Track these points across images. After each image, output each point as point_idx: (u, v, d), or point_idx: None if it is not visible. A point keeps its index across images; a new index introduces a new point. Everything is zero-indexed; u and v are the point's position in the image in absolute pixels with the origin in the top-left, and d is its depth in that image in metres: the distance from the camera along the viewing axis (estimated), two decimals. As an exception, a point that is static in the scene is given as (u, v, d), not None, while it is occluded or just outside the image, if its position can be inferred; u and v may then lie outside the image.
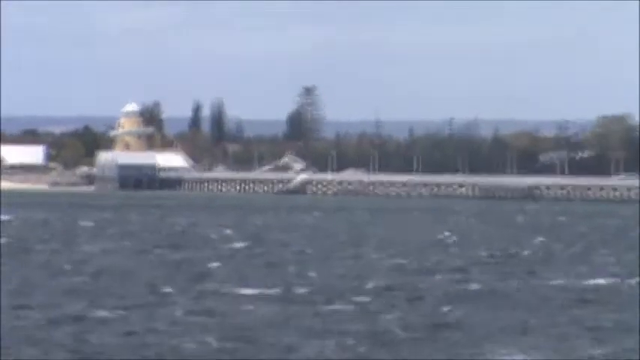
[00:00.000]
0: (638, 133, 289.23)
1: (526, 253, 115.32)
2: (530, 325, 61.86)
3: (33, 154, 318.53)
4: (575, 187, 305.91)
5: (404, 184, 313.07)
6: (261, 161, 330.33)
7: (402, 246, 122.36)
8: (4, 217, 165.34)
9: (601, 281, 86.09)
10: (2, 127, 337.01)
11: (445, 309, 68.29)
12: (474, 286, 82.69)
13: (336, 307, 70.26)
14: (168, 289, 74.77)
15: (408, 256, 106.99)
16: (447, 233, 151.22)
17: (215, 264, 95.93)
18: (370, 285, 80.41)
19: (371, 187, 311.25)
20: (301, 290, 76.56)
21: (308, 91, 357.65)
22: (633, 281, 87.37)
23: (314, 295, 74.52)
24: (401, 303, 72.20)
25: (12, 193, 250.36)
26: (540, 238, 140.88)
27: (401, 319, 64.88)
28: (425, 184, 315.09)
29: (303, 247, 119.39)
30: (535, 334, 58.97)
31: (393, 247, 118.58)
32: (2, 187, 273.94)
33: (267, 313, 66.97)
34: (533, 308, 67.31)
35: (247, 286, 78.91)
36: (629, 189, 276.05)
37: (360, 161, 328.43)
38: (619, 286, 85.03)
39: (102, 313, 66.09)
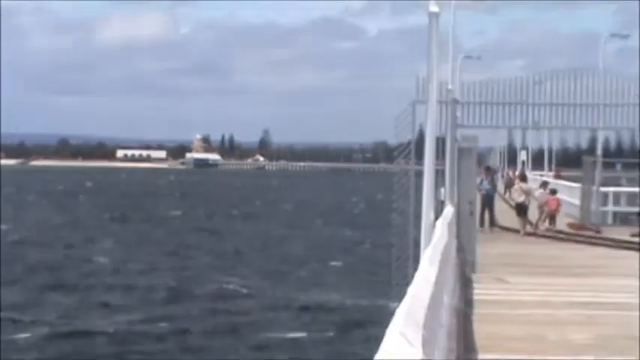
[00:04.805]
0: (392, 149, 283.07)
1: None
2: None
3: (161, 153, 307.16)
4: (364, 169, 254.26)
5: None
6: (245, 157, 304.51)
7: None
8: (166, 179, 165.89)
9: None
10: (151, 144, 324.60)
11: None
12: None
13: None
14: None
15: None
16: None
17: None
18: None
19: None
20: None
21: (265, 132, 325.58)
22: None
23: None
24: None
25: (154, 170, 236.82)
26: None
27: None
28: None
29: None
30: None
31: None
32: (149, 166, 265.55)
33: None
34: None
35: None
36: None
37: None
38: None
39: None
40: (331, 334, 25.25)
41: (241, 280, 34.48)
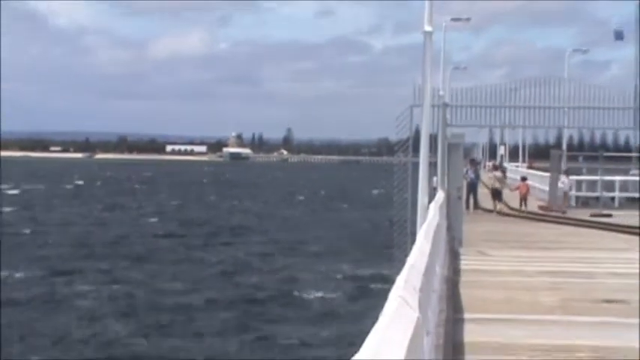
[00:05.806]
0: (393, 145, 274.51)
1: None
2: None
3: (202, 148, 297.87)
4: (370, 161, 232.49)
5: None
6: (272, 151, 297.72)
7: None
8: (208, 170, 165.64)
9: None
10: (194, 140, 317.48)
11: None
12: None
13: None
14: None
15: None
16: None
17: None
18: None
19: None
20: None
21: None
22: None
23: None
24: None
25: (197, 162, 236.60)
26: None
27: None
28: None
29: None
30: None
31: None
32: (192, 159, 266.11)
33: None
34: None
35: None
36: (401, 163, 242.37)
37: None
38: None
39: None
40: (348, 295, 25.43)
41: (285, 253, 34.43)
